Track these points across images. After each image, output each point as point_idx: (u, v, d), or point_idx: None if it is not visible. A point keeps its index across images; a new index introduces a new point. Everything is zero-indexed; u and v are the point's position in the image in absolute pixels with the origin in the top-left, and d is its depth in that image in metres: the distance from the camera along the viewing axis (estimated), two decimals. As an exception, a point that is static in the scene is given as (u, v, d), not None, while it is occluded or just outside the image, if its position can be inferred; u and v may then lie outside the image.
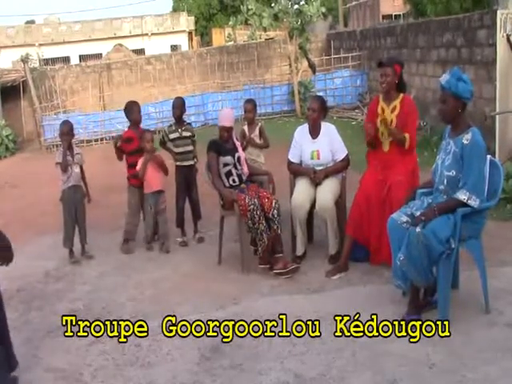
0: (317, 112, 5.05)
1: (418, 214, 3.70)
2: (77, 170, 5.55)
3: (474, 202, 3.56)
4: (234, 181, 5.17)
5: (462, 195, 3.57)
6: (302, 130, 5.20)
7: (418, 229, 3.55)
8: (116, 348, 3.78)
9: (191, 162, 5.94)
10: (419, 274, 3.65)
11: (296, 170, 5.16)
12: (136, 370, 3.50)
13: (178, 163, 5.90)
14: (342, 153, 5.07)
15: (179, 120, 5.95)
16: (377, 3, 41.25)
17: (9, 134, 12.86)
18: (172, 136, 5.86)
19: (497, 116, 6.78)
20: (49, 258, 5.73)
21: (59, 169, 5.46)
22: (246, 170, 5.24)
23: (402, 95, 4.74)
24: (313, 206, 4.96)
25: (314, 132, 5.12)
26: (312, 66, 14.54)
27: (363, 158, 5.07)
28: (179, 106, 5.94)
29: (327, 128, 5.16)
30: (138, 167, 5.62)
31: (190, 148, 5.92)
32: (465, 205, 3.57)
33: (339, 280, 4.62)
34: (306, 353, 3.51)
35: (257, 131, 5.94)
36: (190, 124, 6.15)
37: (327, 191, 4.89)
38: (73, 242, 5.61)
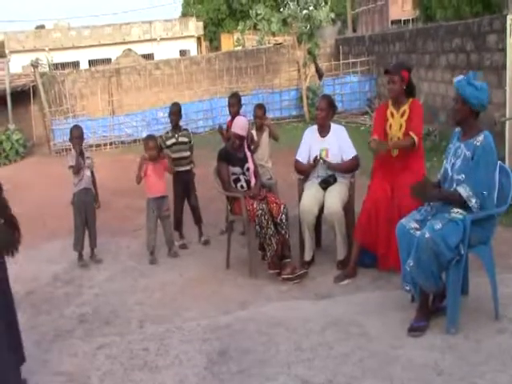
0: (325, 111, 5.06)
1: (429, 218, 3.68)
2: (88, 173, 5.60)
3: (473, 203, 3.54)
4: (242, 186, 5.17)
5: (463, 190, 3.55)
6: (311, 130, 5.23)
7: (427, 234, 3.53)
8: (124, 352, 3.78)
9: (187, 168, 5.98)
10: (428, 279, 3.63)
11: (302, 169, 5.13)
12: (144, 374, 3.50)
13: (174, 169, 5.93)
14: (350, 153, 5.06)
15: (176, 126, 6.00)
16: (386, 8, 41.22)
17: (19, 138, 12.93)
18: (169, 142, 5.90)
19: (507, 122, 6.74)
20: (57, 262, 5.76)
21: (71, 172, 5.50)
22: (253, 181, 5.22)
23: (411, 99, 4.71)
24: (321, 210, 4.95)
25: (323, 131, 5.12)
26: (318, 72, 14.54)
27: (371, 163, 5.06)
28: (177, 112, 6.01)
29: (336, 128, 5.18)
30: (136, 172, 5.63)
31: (187, 154, 5.97)
32: (463, 202, 3.55)
33: (347, 286, 4.60)
34: (313, 358, 3.49)
35: (266, 135, 5.94)
36: (186, 130, 6.20)
37: (335, 196, 4.88)
38: (83, 246, 5.64)
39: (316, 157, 5.01)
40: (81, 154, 5.57)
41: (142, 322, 4.27)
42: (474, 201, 3.55)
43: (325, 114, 5.08)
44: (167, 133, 6.03)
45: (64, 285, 5.19)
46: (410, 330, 3.67)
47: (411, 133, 4.59)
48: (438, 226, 3.55)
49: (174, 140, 5.91)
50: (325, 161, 4.97)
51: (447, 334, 3.60)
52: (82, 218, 5.59)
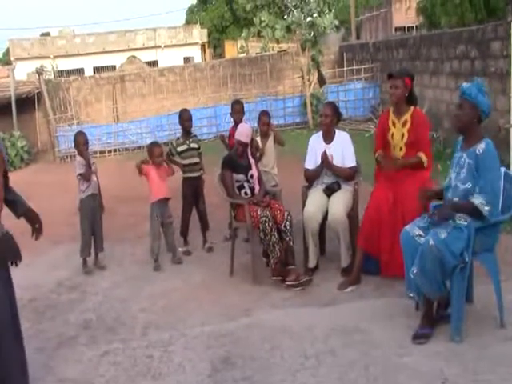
0: (330, 117, 5.08)
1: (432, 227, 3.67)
2: (94, 179, 5.62)
3: (486, 210, 3.53)
4: (246, 193, 5.18)
5: (477, 199, 3.53)
6: (316, 137, 5.25)
7: (431, 241, 3.53)
8: (128, 359, 3.77)
9: (198, 174, 6.01)
10: (432, 287, 3.62)
11: (312, 174, 5.14)
12: (147, 381, 3.50)
13: (185, 175, 5.95)
14: (351, 162, 5.07)
15: (188, 132, 6.02)
16: (389, 15, 41.27)
17: (23, 145, 13.00)
18: (180, 148, 5.93)
19: (511, 128, 6.74)
20: (61, 268, 5.77)
21: (79, 179, 5.51)
22: (257, 188, 5.22)
23: (412, 108, 4.69)
24: (325, 217, 4.94)
25: (328, 137, 5.14)
26: (321, 80, 14.57)
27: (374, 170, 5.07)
28: (190, 118, 6.03)
29: (341, 135, 5.19)
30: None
31: (197, 160, 6.00)
32: (476, 211, 3.53)
33: (351, 293, 4.60)
34: (318, 366, 3.48)
35: (271, 142, 5.95)
36: (196, 136, 6.24)
37: (339, 203, 4.87)
38: (90, 252, 5.65)
39: (323, 153, 4.99)
40: (87, 160, 5.58)
41: (146, 329, 4.27)
42: (487, 208, 3.53)
43: (329, 120, 5.09)
44: (178, 139, 6.06)
45: (68, 291, 5.20)
46: (415, 337, 3.65)
47: (420, 153, 4.58)
48: (443, 234, 3.54)
49: (185, 146, 5.94)
50: (326, 158, 4.96)
51: (452, 341, 3.58)
52: (89, 224, 5.60)
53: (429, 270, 3.55)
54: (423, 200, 3.98)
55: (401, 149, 4.70)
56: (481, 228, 3.55)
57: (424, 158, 4.61)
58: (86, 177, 5.49)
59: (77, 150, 5.65)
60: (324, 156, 4.97)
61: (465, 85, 3.70)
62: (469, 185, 3.63)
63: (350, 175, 5.06)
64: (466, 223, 3.56)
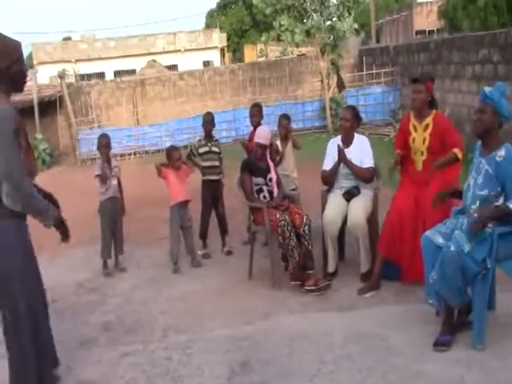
0: (350, 121, 5.06)
1: (456, 232, 3.62)
2: (115, 182, 5.67)
3: None
4: (264, 197, 5.18)
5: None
6: (335, 141, 5.23)
7: (452, 248, 3.48)
8: (147, 360, 3.80)
9: (217, 177, 6.05)
10: (453, 293, 3.58)
11: (328, 174, 5.11)
12: (167, 383, 3.51)
13: (204, 177, 6.00)
14: (367, 164, 5.03)
15: (210, 135, 6.05)
16: (410, 19, 40.97)
17: (45, 147, 13.18)
18: (201, 150, 6.00)
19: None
20: (81, 270, 5.82)
21: (98, 181, 5.58)
22: (276, 191, 5.21)
23: (434, 112, 4.65)
24: (344, 222, 4.92)
25: (347, 141, 5.12)
26: (340, 84, 14.52)
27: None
28: (211, 121, 6.12)
29: (360, 139, 5.17)
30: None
31: (217, 163, 6.05)
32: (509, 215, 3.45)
33: (371, 298, 4.56)
34: (335, 371, 3.46)
35: (290, 145, 5.96)
36: (217, 140, 6.29)
37: (359, 208, 4.85)
38: (110, 254, 5.70)
39: (341, 149, 4.97)
40: (108, 162, 5.65)
41: (165, 331, 4.28)
42: None
43: (349, 124, 5.08)
44: (200, 140, 6.14)
45: (88, 293, 5.24)
46: (435, 344, 3.61)
47: (455, 149, 4.49)
48: (467, 244, 3.48)
49: (207, 148, 6.01)
50: (343, 152, 4.95)
51: (473, 349, 3.54)
52: (109, 226, 5.65)
53: (449, 276, 3.50)
54: (437, 202, 3.96)
55: (422, 153, 4.66)
56: (503, 234, 3.49)
57: (459, 154, 4.49)
58: (102, 178, 5.55)
59: (98, 151, 5.74)
60: (341, 150, 4.93)
61: (487, 89, 3.64)
62: (485, 192, 3.58)
63: (366, 174, 5.01)
64: (489, 230, 3.51)
